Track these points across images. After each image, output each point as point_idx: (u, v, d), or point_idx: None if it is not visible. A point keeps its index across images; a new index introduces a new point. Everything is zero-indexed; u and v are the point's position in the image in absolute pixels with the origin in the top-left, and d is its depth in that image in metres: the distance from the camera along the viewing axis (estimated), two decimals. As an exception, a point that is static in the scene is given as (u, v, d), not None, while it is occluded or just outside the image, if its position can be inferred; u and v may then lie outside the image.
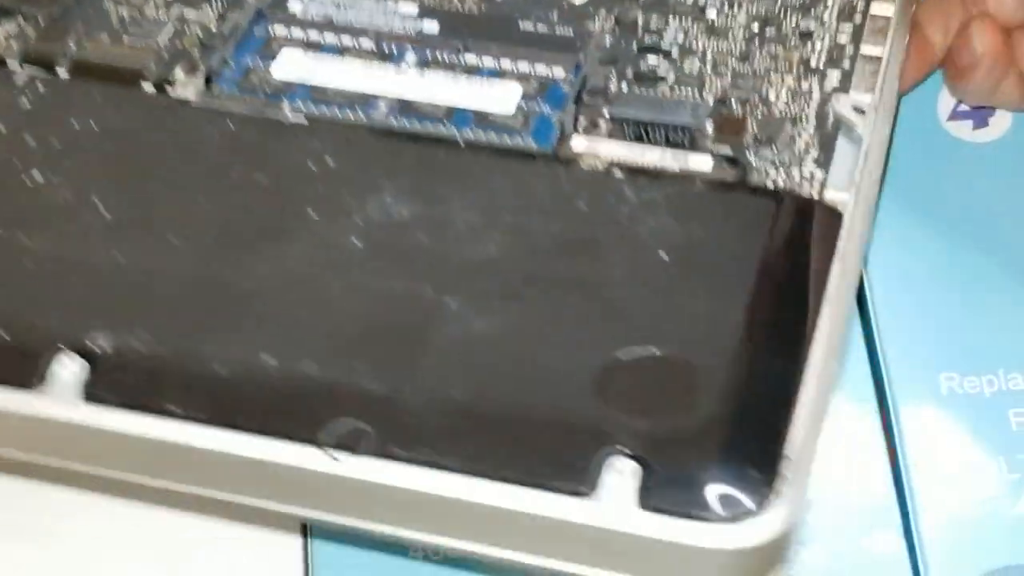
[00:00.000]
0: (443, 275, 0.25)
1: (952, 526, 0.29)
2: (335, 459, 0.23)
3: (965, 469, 0.30)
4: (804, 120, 0.29)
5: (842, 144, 0.28)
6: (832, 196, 0.27)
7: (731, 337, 0.24)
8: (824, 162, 0.28)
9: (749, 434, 0.23)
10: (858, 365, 0.31)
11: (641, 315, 0.25)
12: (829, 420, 0.31)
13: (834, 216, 0.26)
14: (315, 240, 0.26)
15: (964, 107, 0.34)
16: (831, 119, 0.29)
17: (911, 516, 0.30)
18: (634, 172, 0.27)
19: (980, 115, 0.34)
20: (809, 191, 0.27)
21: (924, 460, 0.30)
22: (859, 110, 0.29)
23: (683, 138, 0.28)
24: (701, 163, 0.28)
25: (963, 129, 0.34)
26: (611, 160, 0.27)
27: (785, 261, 0.26)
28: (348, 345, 0.25)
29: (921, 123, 0.34)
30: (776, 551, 0.23)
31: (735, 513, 0.22)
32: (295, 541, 0.31)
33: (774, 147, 0.28)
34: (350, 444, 0.23)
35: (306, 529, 0.30)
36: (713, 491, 0.22)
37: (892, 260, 0.32)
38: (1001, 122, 0.34)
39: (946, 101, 0.34)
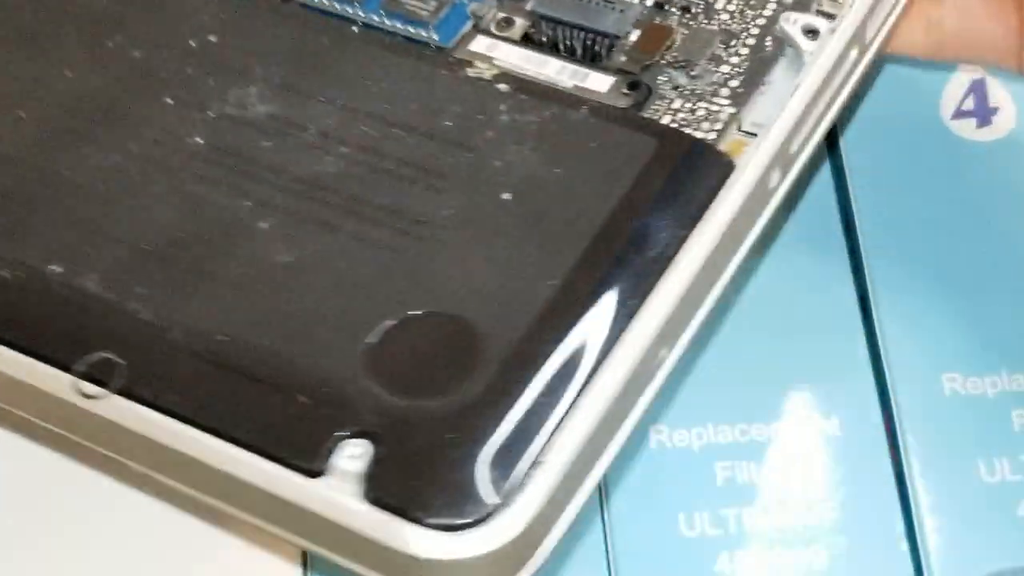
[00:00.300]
0: (267, 192, 0.23)
1: (954, 527, 0.29)
2: (80, 393, 0.22)
3: (967, 470, 0.30)
4: (742, 40, 0.25)
5: (780, 76, 0.25)
6: (734, 140, 0.24)
7: (536, 308, 0.21)
8: (743, 96, 0.24)
9: (507, 426, 0.21)
10: (860, 365, 0.31)
11: (451, 268, 0.22)
12: (833, 421, 0.31)
13: (724, 167, 0.23)
14: (157, 132, 0.24)
15: (967, 106, 0.34)
16: (772, 42, 0.25)
17: (912, 516, 0.29)
18: (521, 87, 0.24)
19: (983, 114, 0.34)
20: (707, 131, 0.24)
21: (926, 461, 0.30)
22: (811, 31, 0.24)
23: (603, 47, 0.25)
24: (599, 83, 0.25)
25: (966, 128, 0.33)
26: (504, 69, 0.25)
27: (644, 218, 0.22)
28: (138, 263, 0.23)
29: (923, 122, 0.33)
30: (497, 568, 0.20)
31: (454, 520, 0.20)
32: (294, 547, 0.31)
33: (691, 70, 0.25)
34: (100, 376, 0.22)
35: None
36: (441, 491, 0.20)
37: (894, 259, 0.32)
38: (1005, 121, 0.34)
39: (949, 99, 0.34)
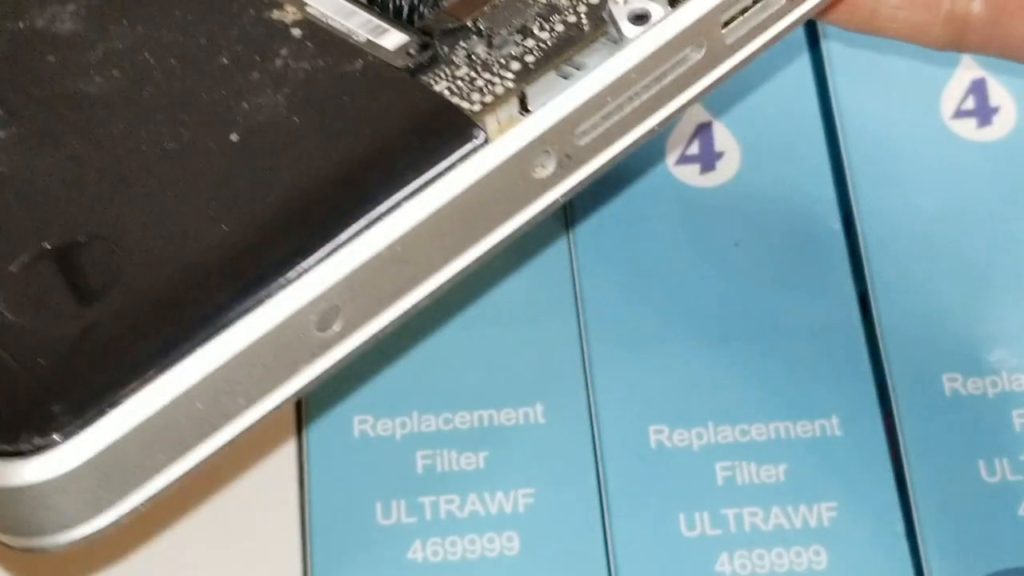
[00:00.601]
0: (24, 104, 0.23)
1: (954, 528, 0.29)
2: None
3: (967, 470, 0.30)
4: (563, 16, 0.23)
5: (596, 62, 0.23)
6: (502, 117, 0.22)
7: (192, 255, 0.21)
8: (535, 74, 0.23)
9: (100, 365, 0.20)
10: (860, 365, 0.31)
11: (137, 201, 0.22)
12: (833, 421, 0.31)
13: (474, 142, 0.21)
14: None
15: (968, 106, 0.34)
16: (594, 24, 0.23)
17: (912, 517, 0.29)
18: (312, 36, 0.24)
19: (984, 114, 0.34)
20: (475, 103, 0.22)
21: (926, 461, 0.30)
22: (641, 17, 0.23)
23: (426, 5, 0.24)
24: (392, 40, 0.24)
25: (967, 128, 0.33)
26: (309, 16, 0.24)
27: (359, 182, 0.21)
28: None
29: (923, 122, 0.33)
30: (43, 507, 0.20)
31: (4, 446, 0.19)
32: (294, 549, 0.30)
33: (492, 39, 0.23)
34: None
35: (304, 531, 0.30)
36: (9, 415, 0.20)
37: (894, 259, 0.32)
38: (1006, 121, 0.34)
39: (949, 99, 0.34)
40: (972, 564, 0.29)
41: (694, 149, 0.33)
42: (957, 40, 0.28)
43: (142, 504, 0.21)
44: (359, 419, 0.30)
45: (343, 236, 0.21)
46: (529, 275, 0.32)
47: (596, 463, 0.30)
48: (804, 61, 0.34)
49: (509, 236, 0.23)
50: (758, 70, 0.34)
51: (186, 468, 0.21)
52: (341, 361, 0.22)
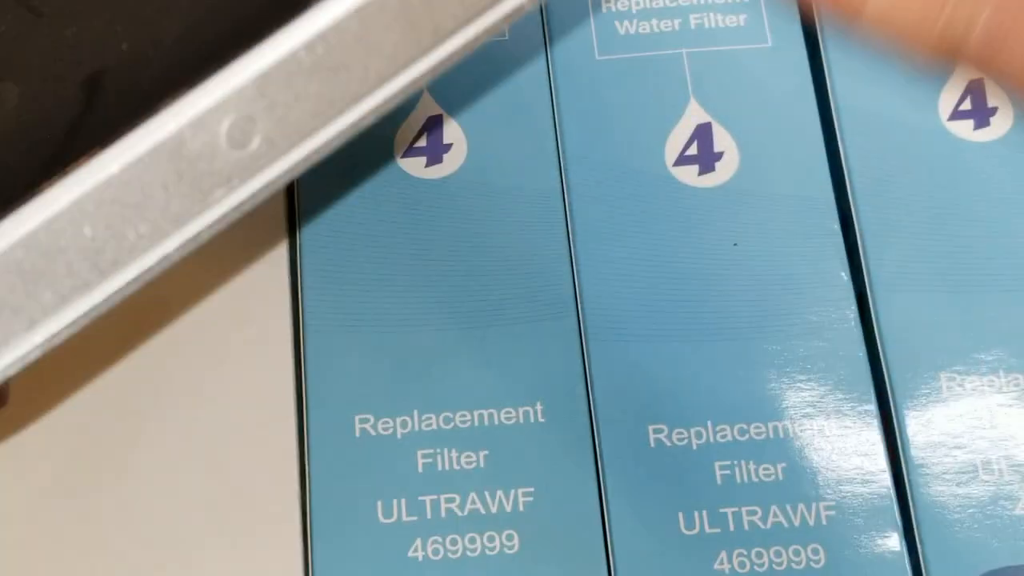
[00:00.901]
0: None
1: (952, 526, 0.29)
2: None
3: (966, 469, 0.30)
4: None
5: None
6: None
7: (78, 68, 0.18)
8: None
9: None
10: (860, 365, 0.31)
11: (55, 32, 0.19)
12: (832, 420, 0.31)
13: None
14: None
15: (965, 107, 0.34)
16: None
17: (911, 516, 0.30)
18: None
19: (982, 115, 0.34)
20: None
21: (925, 460, 0.30)
22: None
23: None
24: None
25: (964, 129, 0.34)
26: None
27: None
28: None
29: (922, 123, 0.33)
30: None
31: None
32: (295, 548, 0.30)
33: None
34: None
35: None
36: None
37: (894, 259, 0.32)
38: (1003, 122, 0.34)
39: (947, 101, 0.34)
40: (971, 564, 0.29)
41: (693, 150, 0.33)
42: (948, 52, 0.24)
43: (32, 349, 0.18)
44: (360, 418, 0.31)
45: (253, 30, 0.18)
46: (529, 275, 0.32)
47: (596, 463, 0.30)
48: (803, 61, 0.34)
49: (458, 49, 0.20)
50: (757, 70, 0.34)
51: (82, 309, 0.18)
52: (264, 187, 0.19)
